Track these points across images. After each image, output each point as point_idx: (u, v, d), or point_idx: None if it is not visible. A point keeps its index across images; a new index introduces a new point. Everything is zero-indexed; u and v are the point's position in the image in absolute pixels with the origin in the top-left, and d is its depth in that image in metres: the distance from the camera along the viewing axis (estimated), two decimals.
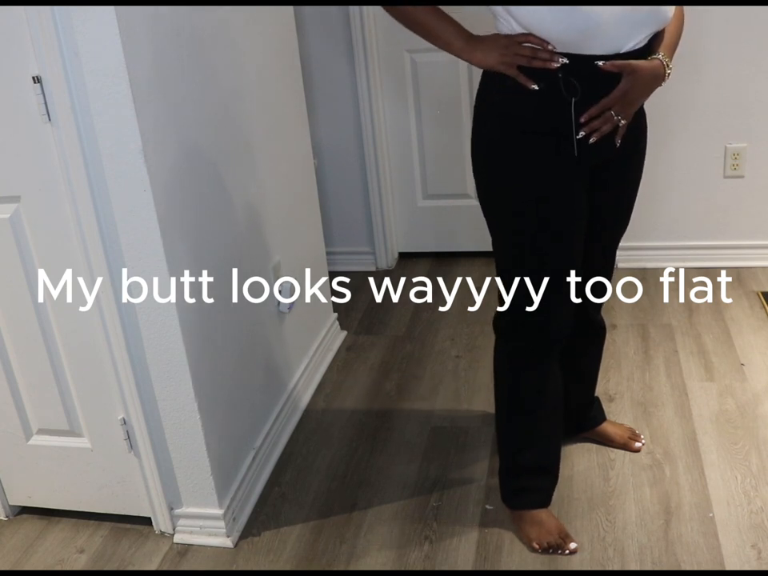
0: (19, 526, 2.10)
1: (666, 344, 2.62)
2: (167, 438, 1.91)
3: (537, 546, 1.84)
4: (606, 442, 2.14)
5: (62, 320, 1.84)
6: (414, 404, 2.46)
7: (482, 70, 1.62)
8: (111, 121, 1.59)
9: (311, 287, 2.65)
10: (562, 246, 1.67)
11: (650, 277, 3.07)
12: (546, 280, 1.67)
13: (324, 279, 2.82)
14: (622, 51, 1.51)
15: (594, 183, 1.69)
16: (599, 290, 1.92)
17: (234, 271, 2.05)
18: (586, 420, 2.15)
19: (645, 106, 1.70)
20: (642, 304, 2.89)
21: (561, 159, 1.59)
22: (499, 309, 1.78)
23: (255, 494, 2.12)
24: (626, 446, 2.13)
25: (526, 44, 1.51)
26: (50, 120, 1.61)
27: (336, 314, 2.91)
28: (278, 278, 2.32)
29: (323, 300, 2.81)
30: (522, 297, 1.70)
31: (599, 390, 2.20)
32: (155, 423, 1.90)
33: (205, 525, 1.97)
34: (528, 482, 1.90)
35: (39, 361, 1.90)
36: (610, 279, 1.93)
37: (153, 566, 1.93)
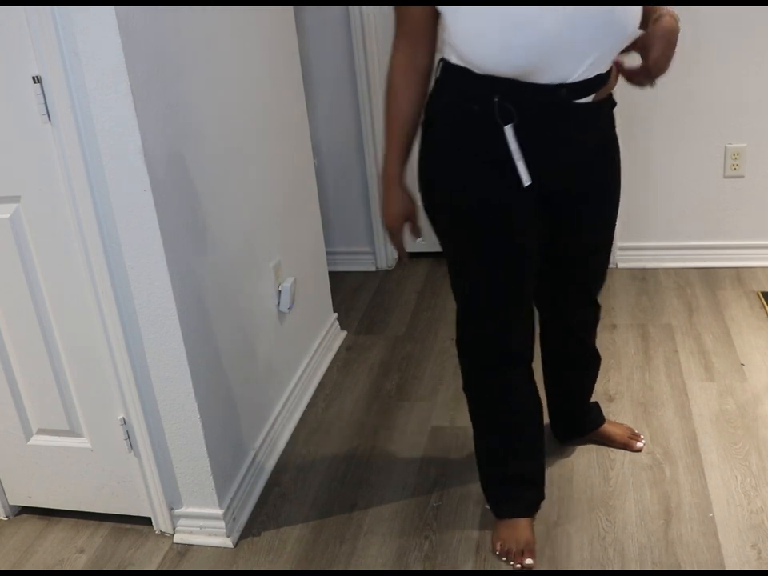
0: (19, 526, 2.10)
1: (666, 344, 2.62)
2: (167, 438, 1.91)
3: (498, 548, 1.84)
4: (607, 442, 2.14)
5: (62, 320, 1.84)
6: (413, 404, 2.46)
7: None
8: (111, 121, 1.59)
9: (311, 287, 2.65)
10: (500, 272, 1.62)
11: (649, 277, 3.07)
12: (484, 300, 1.67)
13: (324, 279, 2.82)
14: (568, 81, 1.43)
15: (557, 215, 1.63)
16: (586, 323, 1.94)
17: (234, 271, 2.05)
18: (583, 425, 2.14)
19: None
20: (642, 304, 2.89)
21: (499, 184, 1.52)
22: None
23: (255, 494, 2.12)
24: (626, 446, 2.12)
25: (399, 238, 1.64)
26: (50, 120, 1.61)
27: (336, 313, 2.91)
28: (278, 278, 2.32)
29: (323, 300, 2.82)
30: (466, 314, 1.72)
31: (599, 390, 2.20)
32: (155, 423, 1.90)
33: (205, 525, 1.97)
34: (507, 491, 1.89)
35: (39, 361, 1.90)
36: (595, 310, 1.92)
37: (153, 566, 1.93)
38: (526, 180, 1.49)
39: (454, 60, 1.48)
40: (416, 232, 1.66)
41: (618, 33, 1.42)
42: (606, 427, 2.15)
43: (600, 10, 1.37)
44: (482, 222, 1.57)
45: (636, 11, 1.43)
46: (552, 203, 1.61)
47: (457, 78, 1.49)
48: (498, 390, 1.78)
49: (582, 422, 2.14)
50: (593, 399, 2.13)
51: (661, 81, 1.54)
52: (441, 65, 1.53)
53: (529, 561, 1.80)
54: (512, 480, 1.87)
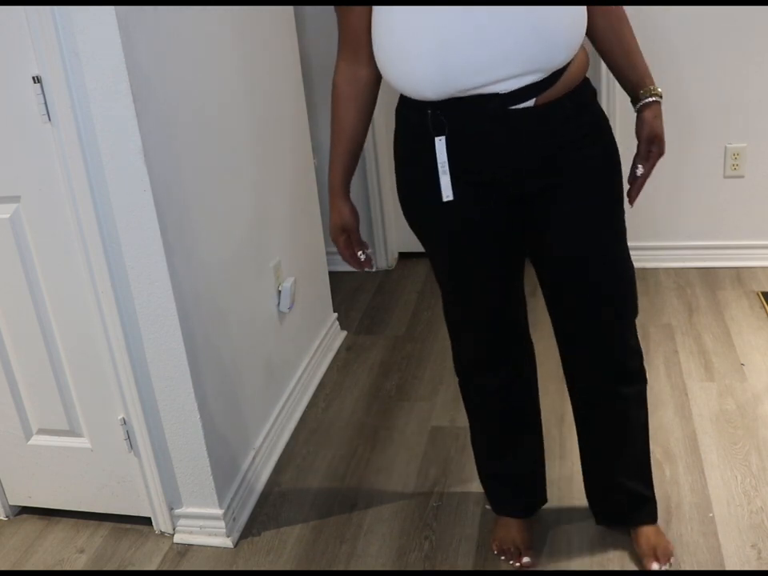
0: (19, 526, 2.10)
1: (666, 344, 2.62)
2: (167, 438, 1.91)
3: (495, 548, 1.84)
4: (633, 543, 1.81)
5: (62, 320, 1.84)
6: (413, 404, 2.46)
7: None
8: (111, 121, 1.59)
9: (311, 287, 2.65)
10: (455, 274, 1.61)
11: (649, 277, 3.07)
12: (446, 304, 1.68)
13: (324, 279, 2.82)
14: (499, 92, 1.36)
15: (530, 221, 1.53)
16: (607, 370, 1.64)
17: (234, 271, 2.05)
18: (627, 517, 1.81)
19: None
20: (642, 304, 2.84)
21: (438, 192, 1.47)
22: None
23: (255, 494, 2.12)
24: (641, 559, 1.76)
25: (345, 241, 1.58)
26: (50, 120, 1.61)
27: (336, 313, 2.91)
28: (278, 278, 2.32)
29: (323, 300, 2.82)
30: (446, 317, 1.72)
31: None
32: (155, 423, 1.90)
33: (205, 525, 1.97)
34: (499, 491, 1.89)
35: (39, 361, 1.90)
36: (617, 353, 1.62)
37: (153, 566, 1.93)
38: (447, 195, 1.45)
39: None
40: (357, 245, 1.61)
41: (547, 50, 1.34)
42: (646, 530, 1.78)
43: (521, 26, 1.30)
44: (429, 223, 1.58)
45: (570, 21, 1.35)
46: (518, 209, 1.51)
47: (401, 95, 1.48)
48: (473, 393, 1.79)
49: (623, 507, 1.80)
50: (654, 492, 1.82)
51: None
52: None
53: (527, 559, 1.80)
54: (504, 479, 1.87)
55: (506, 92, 1.36)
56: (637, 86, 1.54)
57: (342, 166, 1.56)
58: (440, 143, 1.42)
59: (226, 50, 2.00)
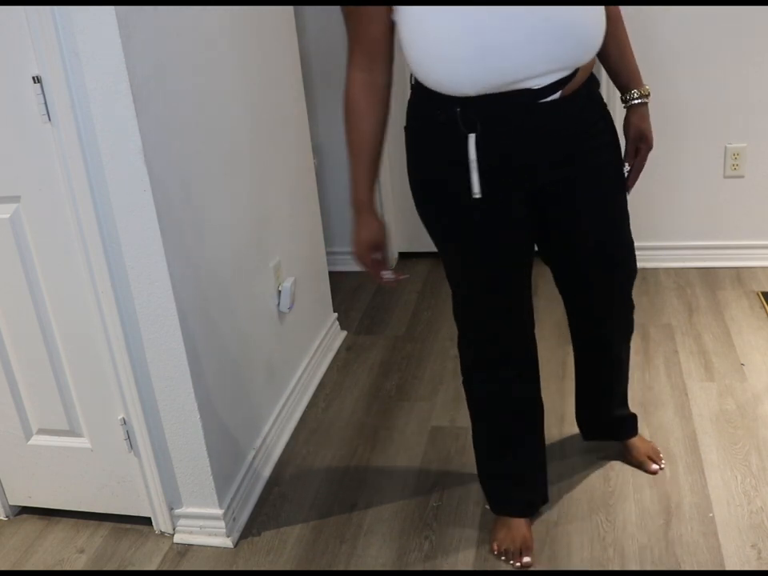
0: (19, 526, 2.10)
1: (666, 344, 2.62)
2: (167, 438, 1.91)
3: (495, 548, 1.84)
4: (625, 456, 2.07)
5: (62, 320, 1.84)
6: (413, 404, 2.46)
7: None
8: (111, 121, 1.59)
9: (311, 287, 2.65)
10: (475, 271, 1.62)
11: (650, 277, 3.07)
12: (465, 298, 1.68)
13: (324, 279, 2.82)
14: (533, 88, 1.41)
15: (547, 209, 1.59)
16: (615, 332, 1.85)
17: (234, 271, 2.05)
18: (616, 432, 2.07)
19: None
20: (642, 304, 2.88)
21: (466, 189, 1.49)
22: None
23: (255, 493, 2.12)
24: (641, 467, 2.04)
25: (374, 258, 1.52)
26: (50, 120, 1.61)
27: (336, 314, 2.91)
28: (278, 278, 2.32)
29: (323, 300, 2.82)
30: (455, 311, 1.72)
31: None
32: (155, 423, 1.90)
33: (205, 525, 1.97)
34: (500, 490, 1.89)
35: (39, 361, 1.90)
36: (624, 319, 1.83)
37: (153, 566, 1.93)
38: (476, 192, 1.46)
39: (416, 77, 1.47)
40: (383, 264, 1.56)
41: (578, 49, 1.41)
42: (633, 441, 2.06)
43: (557, 27, 1.35)
44: (453, 219, 1.56)
45: (596, 21, 1.41)
46: (541, 199, 1.57)
47: (423, 87, 1.47)
48: (485, 390, 1.78)
49: (612, 428, 2.06)
50: (633, 410, 2.08)
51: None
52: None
53: (527, 559, 1.80)
54: (504, 478, 1.88)
55: (537, 87, 1.40)
56: (626, 86, 1.65)
57: (367, 180, 1.52)
58: (471, 140, 1.43)
59: (226, 50, 2.00)
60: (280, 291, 2.33)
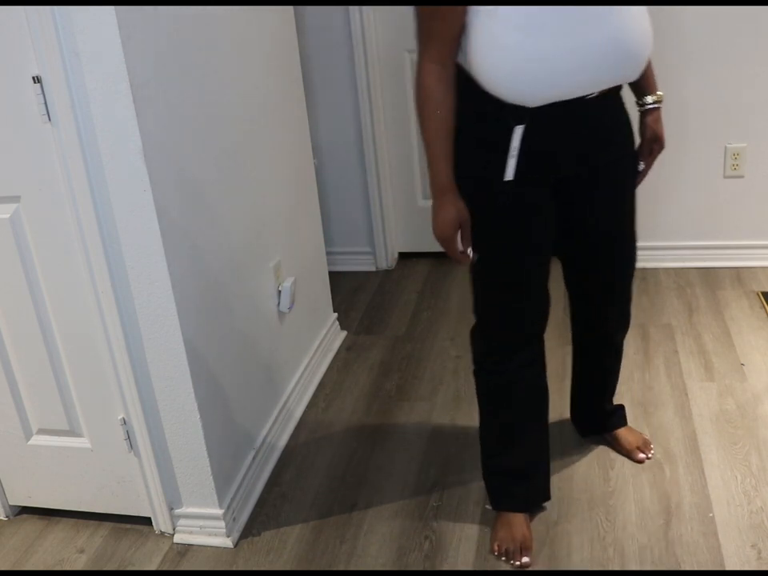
0: (19, 526, 2.10)
1: (666, 344, 2.62)
2: (167, 438, 1.91)
3: (495, 548, 1.85)
4: (615, 446, 2.14)
5: (62, 320, 1.84)
6: (413, 404, 2.46)
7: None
8: (111, 121, 1.59)
9: (311, 287, 2.65)
10: (507, 253, 1.67)
11: (650, 277, 3.07)
12: (498, 283, 1.71)
13: (324, 279, 2.82)
14: (585, 97, 1.52)
15: (570, 200, 1.68)
16: (611, 321, 1.93)
17: (234, 271, 2.05)
18: (604, 424, 2.15)
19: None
20: (642, 304, 2.89)
21: (510, 180, 1.58)
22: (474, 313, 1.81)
23: (255, 493, 2.12)
24: (630, 455, 2.10)
25: (453, 246, 1.62)
26: (50, 120, 1.61)
27: (336, 314, 2.91)
28: (278, 278, 2.32)
29: (323, 300, 2.82)
30: (477, 292, 1.76)
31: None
32: (155, 423, 1.90)
33: (205, 525, 1.97)
34: (503, 485, 1.91)
35: (39, 361, 1.90)
36: (623, 305, 1.91)
37: (153, 566, 1.93)
38: (509, 175, 1.56)
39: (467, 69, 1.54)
40: (466, 241, 1.63)
41: (635, 63, 1.52)
42: (620, 433, 2.14)
43: (615, 47, 1.46)
44: (493, 201, 1.62)
45: (648, 40, 1.52)
46: (565, 190, 1.66)
47: (471, 80, 1.53)
48: (498, 377, 1.81)
49: (603, 421, 2.14)
50: (621, 402, 2.18)
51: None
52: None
53: (526, 559, 1.81)
54: (510, 472, 1.89)
55: (589, 97, 1.53)
56: (644, 92, 1.76)
57: (447, 163, 1.59)
58: (518, 131, 1.52)
59: (226, 50, 2.00)
60: (280, 291, 2.33)
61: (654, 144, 1.79)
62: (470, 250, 1.64)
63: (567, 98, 1.50)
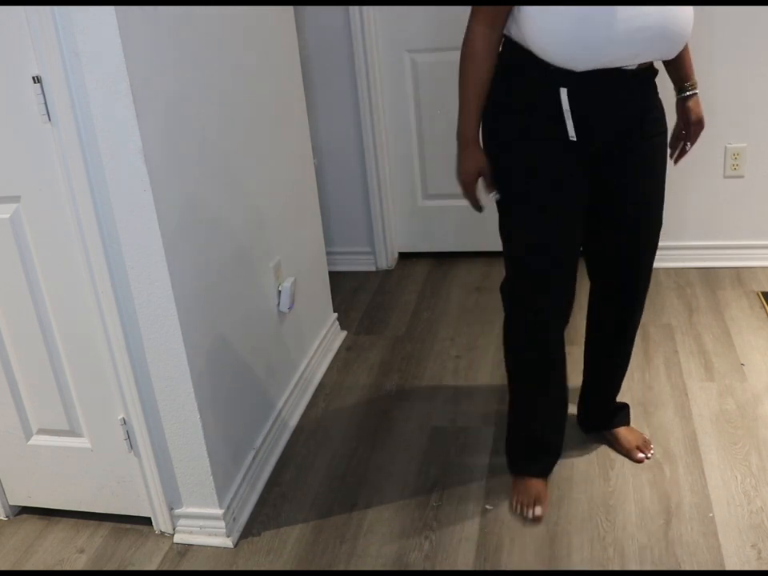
0: (19, 526, 2.10)
1: (666, 344, 2.62)
2: (167, 438, 1.91)
3: (514, 503, 1.96)
4: (615, 445, 2.15)
5: (62, 320, 1.84)
6: (414, 404, 2.46)
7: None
8: (111, 121, 1.59)
9: (311, 287, 2.65)
10: (548, 223, 1.75)
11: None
12: (535, 257, 1.79)
13: (324, 279, 2.82)
14: (626, 68, 1.62)
15: (601, 178, 1.76)
16: (627, 301, 1.97)
17: (234, 271, 2.05)
18: (609, 421, 2.17)
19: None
20: None
21: (548, 140, 1.69)
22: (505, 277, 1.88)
23: (255, 494, 2.12)
24: (628, 454, 2.11)
25: (473, 191, 1.74)
26: (50, 120, 1.61)
27: (336, 314, 2.91)
28: (278, 278, 2.32)
29: (323, 300, 2.82)
30: (516, 271, 1.83)
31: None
32: (155, 423, 1.90)
33: (205, 525, 1.97)
34: (526, 451, 2.02)
35: (39, 361, 1.90)
36: (640, 292, 1.96)
37: (153, 566, 1.93)
38: (572, 135, 1.66)
39: (514, 36, 1.65)
40: (489, 187, 1.76)
41: (675, 42, 1.63)
42: (620, 431, 2.15)
43: (663, 23, 1.56)
44: (535, 164, 1.72)
45: (688, 24, 1.63)
46: (597, 167, 1.74)
47: (517, 47, 1.65)
48: (534, 351, 1.88)
49: (608, 417, 2.17)
50: (625, 401, 2.21)
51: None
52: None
53: (538, 509, 1.92)
54: (533, 442, 2.01)
55: (629, 68, 1.63)
56: (683, 79, 1.90)
57: (475, 119, 1.72)
58: (564, 93, 1.62)
59: (226, 50, 2.00)
60: (280, 291, 2.33)
61: (696, 126, 1.95)
62: (494, 193, 1.76)
63: (612, 65, 1.59)
